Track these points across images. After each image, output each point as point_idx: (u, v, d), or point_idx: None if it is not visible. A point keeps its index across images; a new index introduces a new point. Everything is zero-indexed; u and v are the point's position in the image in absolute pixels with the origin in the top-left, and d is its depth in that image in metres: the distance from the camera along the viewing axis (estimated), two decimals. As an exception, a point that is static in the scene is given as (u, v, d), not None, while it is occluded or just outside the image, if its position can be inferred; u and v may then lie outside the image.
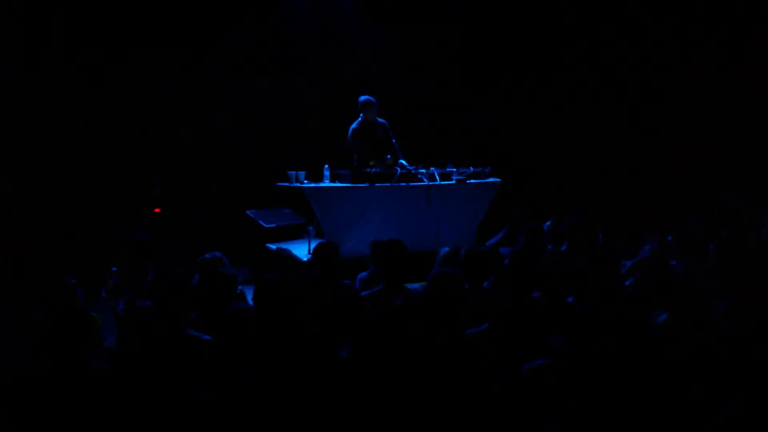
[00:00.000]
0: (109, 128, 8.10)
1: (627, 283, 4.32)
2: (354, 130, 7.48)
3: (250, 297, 4.17)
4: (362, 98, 7.50)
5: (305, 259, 6.39)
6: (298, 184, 7.12)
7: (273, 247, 6.31)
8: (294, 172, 7.21)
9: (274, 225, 7.29)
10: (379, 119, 7.55)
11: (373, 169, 7.10)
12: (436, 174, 7.21)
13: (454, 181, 7.32)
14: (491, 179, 7.57)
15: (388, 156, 7.23)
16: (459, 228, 7.24)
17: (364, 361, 3.10)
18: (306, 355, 3.28)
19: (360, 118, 7.48)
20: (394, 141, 7.55)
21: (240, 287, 4.53)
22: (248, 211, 7.35)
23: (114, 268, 4.88)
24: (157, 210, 8.17)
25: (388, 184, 7.05)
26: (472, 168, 7.47)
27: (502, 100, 9.32)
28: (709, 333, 3.29)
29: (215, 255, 4.95)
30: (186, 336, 3.45)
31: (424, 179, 7.15)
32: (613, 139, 9.27)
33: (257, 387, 2.94)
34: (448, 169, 7.39)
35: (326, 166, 7.42)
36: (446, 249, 5.02)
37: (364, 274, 4.99)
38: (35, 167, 7.71)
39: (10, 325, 3.74)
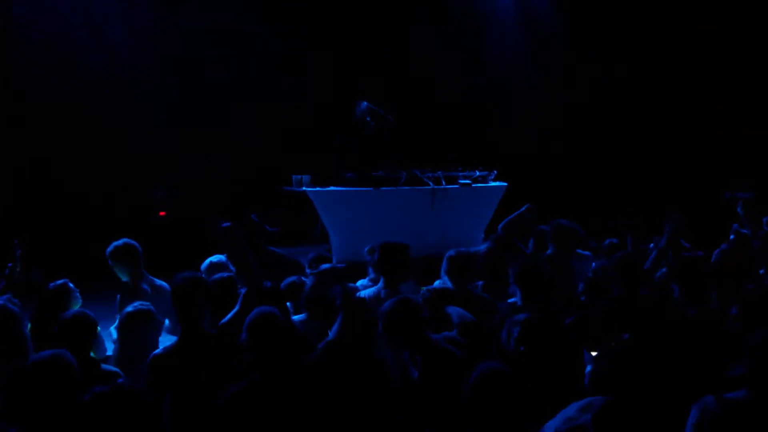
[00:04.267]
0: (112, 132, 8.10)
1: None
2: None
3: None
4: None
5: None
6: (303, 188, 7.08)
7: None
8: (299, 176, 7.17)
9: (278, 229, 7.26)
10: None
11: (379, 173, 7.06)
12: (441, 178, 7.16)
13: (459, 185, 7.28)
14: (497, 183, 7.53)
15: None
16: (465, 232, 7.18)
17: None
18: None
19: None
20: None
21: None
22: (253, 215, 7.32)
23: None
24: (162, 213, 8.16)
25: (394, 188, 7.01)
26: (478, 172, 7.42)
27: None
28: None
29: (220, 259, 4.92)
30: None
31: (430, 183, 7.11)
32: (616, 140, 9.28)
33: (259, 386, 2.94)
34: (453, 173, 7.35)
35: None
36: (451, 252, 4.98)
37: (365, 280, 4.96)
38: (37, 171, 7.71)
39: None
